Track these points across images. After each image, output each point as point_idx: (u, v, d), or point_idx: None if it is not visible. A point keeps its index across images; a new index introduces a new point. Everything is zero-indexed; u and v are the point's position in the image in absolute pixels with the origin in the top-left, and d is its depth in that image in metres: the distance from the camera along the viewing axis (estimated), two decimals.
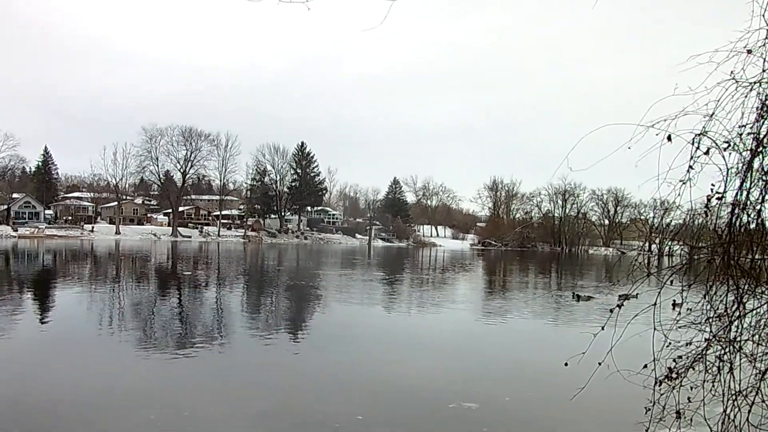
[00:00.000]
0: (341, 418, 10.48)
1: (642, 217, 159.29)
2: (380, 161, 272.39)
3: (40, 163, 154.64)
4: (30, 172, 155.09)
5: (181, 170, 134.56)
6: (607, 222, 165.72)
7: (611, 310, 5.84)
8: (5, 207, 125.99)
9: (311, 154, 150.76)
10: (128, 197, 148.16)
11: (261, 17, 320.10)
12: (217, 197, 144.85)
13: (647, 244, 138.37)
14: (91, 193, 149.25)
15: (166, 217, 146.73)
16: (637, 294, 6.11)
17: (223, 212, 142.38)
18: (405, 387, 12.90)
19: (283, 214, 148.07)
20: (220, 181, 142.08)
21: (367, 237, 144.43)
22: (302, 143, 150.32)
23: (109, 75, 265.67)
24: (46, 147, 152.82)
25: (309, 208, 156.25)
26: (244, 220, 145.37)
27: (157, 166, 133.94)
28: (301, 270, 51.46)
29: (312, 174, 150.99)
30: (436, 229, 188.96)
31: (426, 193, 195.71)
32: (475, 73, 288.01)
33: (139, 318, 22.42)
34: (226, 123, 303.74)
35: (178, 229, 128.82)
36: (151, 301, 27.84)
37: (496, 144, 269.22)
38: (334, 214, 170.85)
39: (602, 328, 5.88)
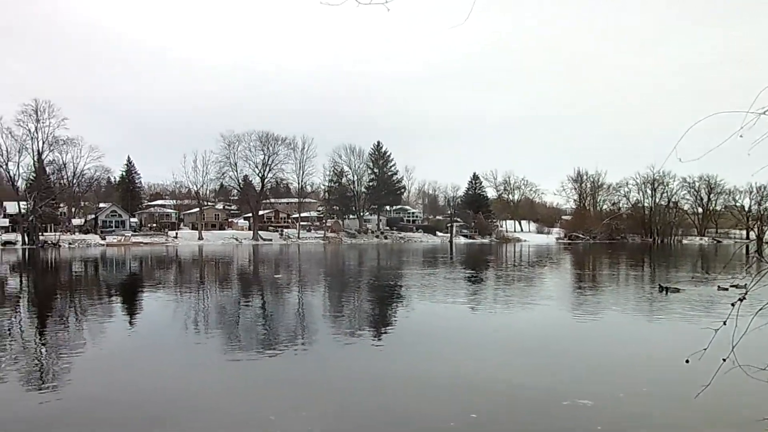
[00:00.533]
0: (454, 417, 10.39)
1: (738, 204, 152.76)
2: (458, 157, 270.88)
3: (124, 173, 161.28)
4: (114, 182, 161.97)
5: (260, 174, 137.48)
6: (700, 210, 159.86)
7: (732, 304, 5.37)
8: (93, 216, 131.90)
9: (387, 153, 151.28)
10: (209, 203, 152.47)
11: (327, 18, 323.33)
12: (296, 200, 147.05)
13: (746, 232, 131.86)
14: (174, 201, 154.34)
15: (247, 222, 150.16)
16: (745, 284, 5.64)
17: (302, 214, 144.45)
18: (510, 385, 12.72)
19: (361, 214, 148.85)
20: (298, 183, 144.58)
21: (449, 234, 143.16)
22: (378, 143, 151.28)
23: (180, 84, 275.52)
24: (129, 157, 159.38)
25: (388, 208, 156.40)
26: (323, 221, 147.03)
27: (236, 171, 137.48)
28: (382, 269, 51.49)
29: (389, 173, 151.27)
30: (520, 223, 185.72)
31: (507, 187, 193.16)
32: (551, 61, 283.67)
33: (224, 321, 23.01)
34: (301, 126, 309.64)
35: (259, 232, 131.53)
36: (236, 303, 28.48)
37: (578, 135, 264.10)
38: (413, 213, 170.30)
39: (723, 323, 5.42)
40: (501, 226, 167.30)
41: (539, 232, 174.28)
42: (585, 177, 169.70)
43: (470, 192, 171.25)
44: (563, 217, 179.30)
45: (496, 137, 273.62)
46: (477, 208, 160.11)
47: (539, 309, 25.31)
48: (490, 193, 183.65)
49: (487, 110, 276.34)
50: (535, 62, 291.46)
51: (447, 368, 14.40)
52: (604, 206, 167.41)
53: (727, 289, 28.44)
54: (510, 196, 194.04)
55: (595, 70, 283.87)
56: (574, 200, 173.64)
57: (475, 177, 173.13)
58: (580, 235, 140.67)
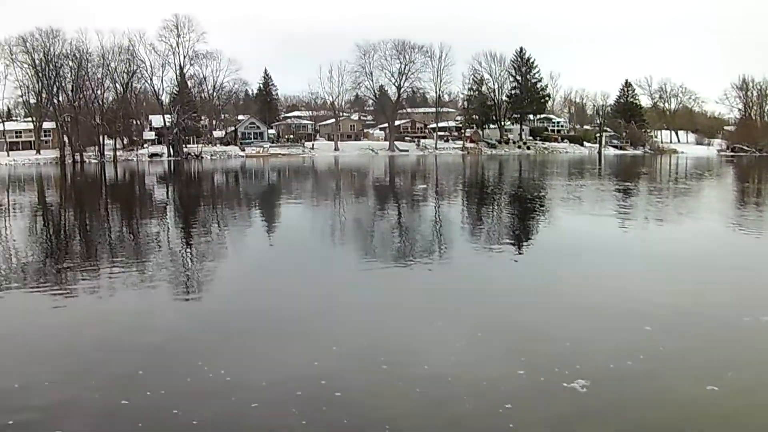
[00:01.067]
0: (618, 332, 9.86)
1: None
2: (608, 63, 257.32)
3: (261, 86, 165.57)
4: (252, 94, 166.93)
5: (396, 84, 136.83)
6: None
7: None
8: (233, 129, 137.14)
9: (531, 60, 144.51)
10: (345, 114, 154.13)
11: None
12: (433, 109, 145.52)
13: None
14: (310, 112, 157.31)
15: (382, 132, 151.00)
16: None
17: (440, 124, 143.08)
18: (682, 305, 11.55)
19: (502, 123, 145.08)
20: (436, 93, 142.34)
21: (597, 145, 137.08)
22: (521, 48, 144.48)
23: None
24: (265, 70, 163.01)
25: (531, 117, 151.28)
26: (462, 131, 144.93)
27: (372, 81, 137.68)
28: (524, 181, 50.13)
29: (533, 80, 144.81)
30: (677, 134, 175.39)
31: (663, 95, 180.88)
32: None
33: (361, 231, 23.15)
34: (438, 34, 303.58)
35: (395, 143, 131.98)
36: (372, 214, 28.65)
37: (743, 38, 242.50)
38: (558, 122, 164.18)
39: None
40: (655, 137, 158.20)
41: (698, 143, 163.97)
42: (751, 84, 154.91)
43: (621, 100, 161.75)
44: (725, 127, 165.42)
45: (650, 41, 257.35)
46: (629, 117, 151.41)
47: (701, 224, 23.67)
48: (644, 101, 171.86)
49: (639, 12, 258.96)
50: None
51: (594, 283, 13.67)
52: None
53: None
54: (666, 104, 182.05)
55: None
56: (739, 109, 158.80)
57: (627, 84, 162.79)
58: (745, 147, 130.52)
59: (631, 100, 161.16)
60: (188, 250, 19.13)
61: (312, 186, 49.62)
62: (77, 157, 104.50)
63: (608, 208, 29.40)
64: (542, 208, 30.07)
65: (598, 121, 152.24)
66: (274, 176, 62.99)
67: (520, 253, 17.80)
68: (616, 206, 30.00)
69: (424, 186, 46.25)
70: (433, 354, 9.13)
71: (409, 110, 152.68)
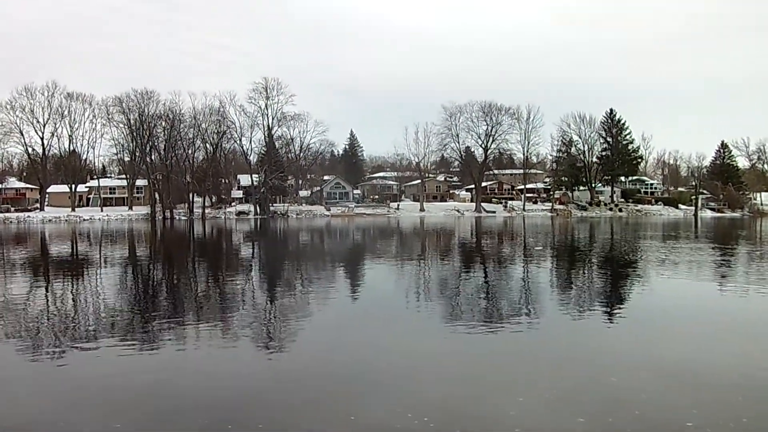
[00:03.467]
0: (681, 409, 9.38)
1: None
2: (702, 124, 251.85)
3: (347, 146, 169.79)
4: (338, 155, 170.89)
5: (482, 145, 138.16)
6: None
7: None
8: (318, 188, 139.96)
9: (622, 121, 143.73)
10: (430, 175, 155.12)
11: None
12: (520, 171, 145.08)
13: None
14: (395, 173, 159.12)
15: (469, 193, 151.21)
16: None
17: (528, 186, 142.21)
18: (748, 376, 11.01)
19: (593, 185, 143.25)
20: (523, 154, 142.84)
21: (692, 207, 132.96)
22: (611, 110, 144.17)
23: (400, 56, 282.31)
24: (351, 131, 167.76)
25: (622, 179, 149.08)
26: (551, 193, 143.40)
27: (458, 142, 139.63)
28: (616, 244, 48.56)
29: (624, 141, 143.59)
30: None
31: (761, 156, 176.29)
32: None
33: (446, 292, 22.92)
34: (526, 96, 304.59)
35: (482, 204, 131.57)
36: (457, 275, 28.37)
37: None
38: (651, 183, 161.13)
39: None
40: (755, 199, 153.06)
41: None
42: None
43: (717, 161, 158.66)
44: None
45: (746, 101, 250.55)
46: (726, 179, 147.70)
47: None
48: (741, 162, 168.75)
49: (734, 71, 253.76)
50: None
51: (680, 353, 12.93)
52: None
53: None
54: (765, 165, 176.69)
55: None
56: None
57: (724, 145, 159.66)
58: None
59: (728, 161, 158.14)
60: (272, 307, 19.28)
61: (396, 246, 49.57)
62: (167, 214, 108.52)
63: (704, 273, 28.21)
64: (634, 272, 29.09)
65: (693, 183, 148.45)
66: (359, 236, 63.38)
67: (608, 318, 17.22)
68: (712, 272, 28.66)
69: (512, 247, 45.47)
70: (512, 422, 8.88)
71: (495, 171, 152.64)
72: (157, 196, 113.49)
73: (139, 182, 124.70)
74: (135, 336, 14.58)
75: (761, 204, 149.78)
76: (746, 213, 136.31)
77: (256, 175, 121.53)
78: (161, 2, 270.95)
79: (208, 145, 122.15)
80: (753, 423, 8.62)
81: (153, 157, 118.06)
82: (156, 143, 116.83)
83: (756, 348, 13.36)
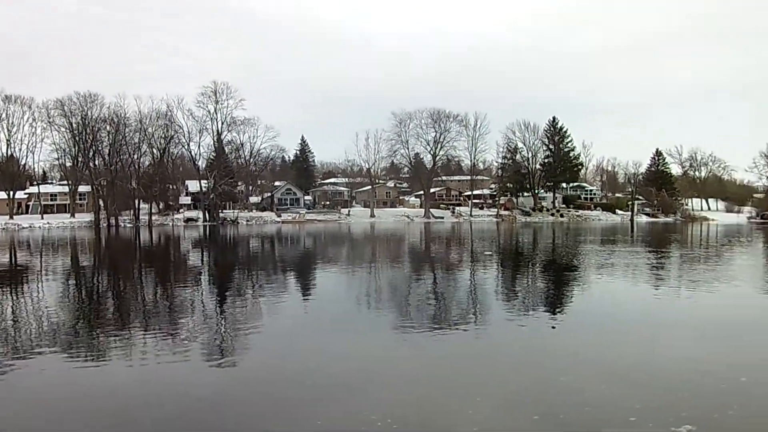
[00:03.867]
0: (630, 402, 9.70)
1: None
2: (639, 133, 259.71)
3: (298, 152, 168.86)
4: (289, 160, 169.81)
5: (431, 152, 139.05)
6: None
7: None
8: (269, 194, 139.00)
9: (564, 129, 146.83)
10: (381, 181, 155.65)
11: None
12: (468, 177, 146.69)
13: None
14: (346, 179, 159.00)
15: (418, 199, 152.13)
16: None
17: (475, 192, 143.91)
18: (693, 370, 11.65)
19: (536, 191, 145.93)
20: (470, 161, 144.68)
21: (629, 212, 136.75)
22: (554, 118, 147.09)
23: (352, 63, 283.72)
24: (303, 136, 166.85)
25: (564, 185, 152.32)
26: (496, 199, 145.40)
27: (408, 149, 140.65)
28: (558, 248, 49.72)
29: (566, 149, 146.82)
30: (707, 202, 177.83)
31: (693, 163, 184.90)
32: (740, 27, 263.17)
33: (396, 298, 23.10)
34: (473, 104, 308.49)
35: (430, 210, 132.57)
36: (407, 281, 28.62)
37: None
38: (591, 190, 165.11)
39: None
40: (686, 205, 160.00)
41: (728, 210, 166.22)
42: None
43: (653, 168, 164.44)
44: (755, 195, 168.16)
45: (680, 111, 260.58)
46: (660, 185, 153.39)
47: (730, 291, 23.45)
48: (675, 169, 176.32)
49: (669, 82, 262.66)
50: (722, 30, 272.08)
51: (623, 351, 13.62)
52: None
53: None
54: (696, 173, 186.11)
55: None
56: (767, 177, 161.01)
57: (658, 153, 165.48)
58: None
59: (662, 168, 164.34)
60: (222, 315, 19.11)
61: (348, 252, 49.61)
62: (112, 221, 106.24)
63: (641, 275, 29.42)
64: (576, 275, 29.97)
65: (630, 190, 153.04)
66: (310, 242, 63.16)
67: (554, 320, 17.71)
68: (650, 273, 29.99)
69: (459, 252, 46.02)
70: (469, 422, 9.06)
71: (444, 178, 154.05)
72: (101, 202, 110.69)
73: (82, 188, 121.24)
74: (79, 347, 14.28)
75: (692, 209, 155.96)
76: (678, 218, 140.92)
77: (205, 181, 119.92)
78: (106, 3, 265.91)
79: (154, 150, 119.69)
80: (691, 415, 8.94)
81: (97, 162, 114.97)
82: (100, 148, 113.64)
83: (693, 346, 13.90)
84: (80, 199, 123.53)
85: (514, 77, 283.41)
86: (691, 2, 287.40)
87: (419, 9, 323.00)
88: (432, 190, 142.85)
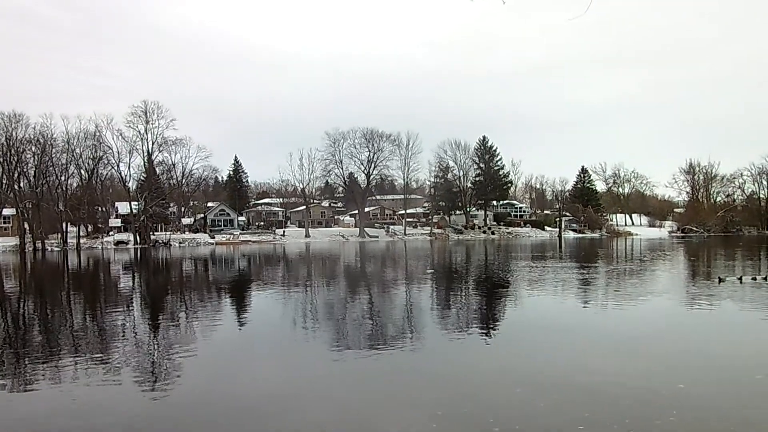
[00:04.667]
0: (558, 417, 9.99)
1: None
2: (564, 150, 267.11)
3: (231, 173, 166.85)
4: (222, 181, 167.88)
5: (365, 171, 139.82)
6: None
7: None
8: (202, 216, 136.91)
9: (493, 148, 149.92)
10: (315, 201, 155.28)
11: (427, 13, 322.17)
12: (401, 196, 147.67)
13: None
14: (280, 199, 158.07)
15: (353, 219, 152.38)
16: None
17: (408, 211, 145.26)
18: (618, 385, 11.99)
19: (468, 209, 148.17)
20: (404, 180, 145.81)
21: (557, 229, 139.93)
22: (484, 137, 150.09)
23: (281, 82, 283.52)
24: (236, 156, 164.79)
25: (494, 203, 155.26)
26: (430, 217, 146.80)
27: (342, 168, 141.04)
28: (490, 265, 50.67)
29: (495, 167, 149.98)
30: (630, 217, 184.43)
31: (617, 180, 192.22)
32: (660, 46, 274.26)
33: (332, 318, 23.09)
34: (405, 123, 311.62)
35: (365, 229, 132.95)
36: (343, 301, 28.74)
37: (688, 124, 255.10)
38: (520, 207, 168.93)
39: None
40: (611, 220, 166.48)
41: (651, 225, 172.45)
42: (698, 168, 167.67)
43: (579, 185, 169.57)
44: (675, 210, 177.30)
45: (604, 129, 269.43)
46: (586, 201, 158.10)
47: (652, 304, 24.26)
48: (600, 186, 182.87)
49: (596, 102, 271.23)
50: (643, 47, 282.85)
51: (552, 366, 13.87)
52: (718, 198, 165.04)
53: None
54: (620, 189, 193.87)
55: (705, 57, 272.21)
56: (687, 192, 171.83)
57: (584, 170, 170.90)
58: (694, 229, 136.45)
59: (588, 185, 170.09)
60: (154, 341, 18.74)
61: (283, 273, 49.27)
62: (38, 245, 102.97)
63: (569, 290, 30.08)
64: (507, 292, 30.56)
65: (558, 206, 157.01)
66: (245, 263, 62.47)
67: (486, 336, 18.04)
68: (576, 289, 30.74)
69: (393, 271, 46.29)
70: None
71: (378, 197, 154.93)
72: (26, 225, 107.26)
73: (6, 211, 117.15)
74: (5, 375, 13.82)
75: (617, 224, 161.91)
76: (604, 233, 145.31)
77: (136, 203, 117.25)
78: (25, 22, 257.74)
79: (83, 171, 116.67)
80: (633, 424, 9.34)
81: (22, 185, 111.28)
82: (25, 169, 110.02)
83: (620, 359, 14.34)
84: (5, 223, 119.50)
85: (441, 97, 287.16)
86: (602, 24, 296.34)
87: (337, 32, 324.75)
88: (366, 210, 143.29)
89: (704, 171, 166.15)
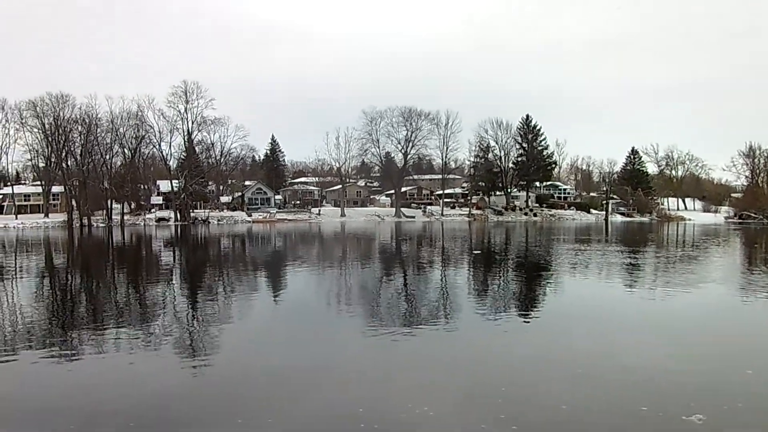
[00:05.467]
0: (598, 407, 10.07)
1: None
2: (614, 130, 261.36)
3: (268, 152, 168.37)
4: (259, 160, 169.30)
5: (402, 151, 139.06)
6: None
7: None
8: (239, 194, 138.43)
9: (537, 127, 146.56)
10: (351, 180, 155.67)
11: None
12: (439, 176, 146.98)
13: None
14: (317, 178, 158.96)
15: (389, 198, 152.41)
16: None
17: (446, 191, 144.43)
18: (662, 371, 11.89)
19: (509, 190, 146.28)
20: (442, 159, 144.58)
21: (604, 212, 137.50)
22: (527, 116, 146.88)
23: (319, 63, 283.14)
24: (273, 136, 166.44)
25: (537, 184, 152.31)
26: (468, 198, 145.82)
27: (378, 148, 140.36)
28: (530, 248, 50.15)
29: (539, 147, 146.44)
30: (684, 201, 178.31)
31: (669, 162, 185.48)
32: (720, 27, 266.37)
33: (367, 297, 23.30)
34: (446, 101, 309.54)
35: (401, 209, 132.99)
36: (378, 280, 28.84)
37: (749, 105, 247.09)
38: (565, 189, 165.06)
39: None
40: (662, 204, 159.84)
41: (705, 210, 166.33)
42: (758, 151, 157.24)
43: (628, 167, 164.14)
44: (733, 195, 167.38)
45: (658, 109, 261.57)
46: (636, 184, 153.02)
47: (703, 292, 23.44)
48: (651, 168, 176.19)
49: (647, 80, 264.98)
50: (701, 29, 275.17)
51: (595, 352, 13.80)
52: None
53: None
54: (673, 171, 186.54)
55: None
56: (746, 176, 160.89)
57: (634, 152, 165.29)
58: (753, 215, 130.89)
59: (638, 167, 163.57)
60: (193, 314, 19.19)
61: (318, 251, 49.77)
62: (85, 221, 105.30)
63: (614, 276, 29.49)
64: (549, 276, 30.11)
65: (605, 189, 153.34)
66: (281, 241, 63.16)
67: (525, 321, 17.93)
68: (622, 274, 29.99)
69: (430, 252, 46.35)
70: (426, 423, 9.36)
71: (415, 177, 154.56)
72: (74, 202, 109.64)
73: (55, 189, 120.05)
74: (53, 346, 14.36)
75: (668, 209, 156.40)
76: (654, 217, 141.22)
77: (176, 181, 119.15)
78: (62, 5, 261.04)
79: (126, 150, 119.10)
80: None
81: (69, 163, 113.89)
82: (72, 148, 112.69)
83: (673, 347, 14.24)
84: (54, 200, 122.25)
85: (481, 76, 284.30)
86: (662, 2, 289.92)
87: (372, 10, 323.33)
88: (403, 190, 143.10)
89: (765, 154, 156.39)
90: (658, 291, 23.79)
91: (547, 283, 27.20)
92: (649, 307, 20.08)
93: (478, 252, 45.28)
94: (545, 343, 14.62)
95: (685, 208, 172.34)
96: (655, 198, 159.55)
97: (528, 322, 17.72)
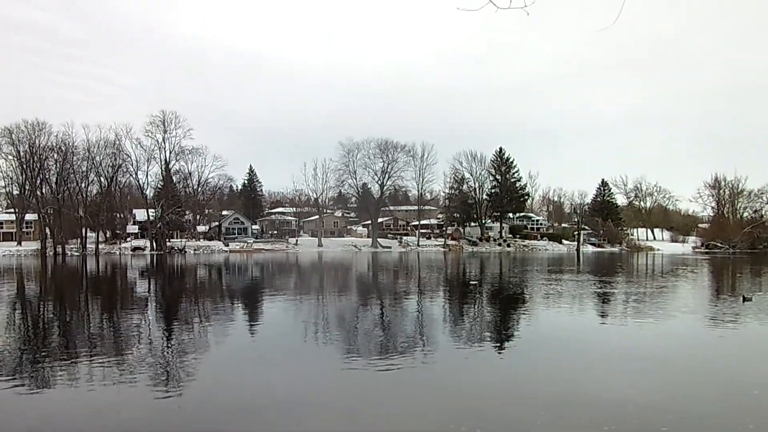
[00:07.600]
0: None
1: None
2: (584, 163, 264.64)
3: (246, 181, 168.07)
4: (237, 190, 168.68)
5: (379, 182, 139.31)
6: None
7: None
8: (217, 224, 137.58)
9: (510, 159, 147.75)
10: (328, 210, 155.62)
11: (450, 23, 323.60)
12: (415, 207, 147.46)
13: None
14: (294, 208, 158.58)
15: (366, 229, 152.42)
16: None
17: (422, 222, 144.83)
18: (634, 404, 12.00)
19: (483, 221, 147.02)
20: (418, 191, 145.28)
21: (575, 242, 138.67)
22: (500, 148, 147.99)
23: (291, 93, 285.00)
24: (250, 166, 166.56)
25: (511, 215, 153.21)
26: (444, 229, 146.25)
27: (355, 179, 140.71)
28: (504, 279, 50.27)
29: (512, 179, 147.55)
30: (652, 232, 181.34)
31: (638, 194, 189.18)
32: (689, 54, 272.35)
33: (342, 328, 23.17)
34: (420, 134, 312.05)
35: (378, 239, 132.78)
36: (355, 311, 28.76)
37: (715, 138, 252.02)
38: (537, 220, 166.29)
39: None
40: (632, 235, 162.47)
41: (673, 240, 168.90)
42: (723, 183, 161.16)
43: (598, 199, 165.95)
44: (700, 225, 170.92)
45: (626, 141, 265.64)
46: (606, 215, 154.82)
47: (672, 322, 23.72)
48: (620, 199, 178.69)
49: (617, 112, 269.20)
50: (669, 58, 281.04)
51: (565, 382, 13.87)
52: (745, 214, 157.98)
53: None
54: (641, 203, 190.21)
55: (733, 69, 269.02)
56: (712, 207, 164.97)
57: (604, 183, 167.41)
58: (719, 245, 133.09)
59: (608, 198, 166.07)
60: (167, 345, 18.98)
61: (294, 281, 49.48)
62: (59, 250, 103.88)
63: (586, 306, 29.79)
64: (523, 306, 30.26)
65: (576, 220, 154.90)
66: (258, 271, 62.77)
67: (498, 351, 18.02)
68: (594, 304, 30.33)
69: (406, 283, 46.28)
70: None
71: (391, 208, 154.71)
72: (48, 231, 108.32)
73: (29, 216, 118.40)
74: (23, 376, 14.11)
75: (638, 239, 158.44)
76: (624, 248, 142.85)
77: (153, 210, 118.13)
78: (38, 34, 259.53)
79: (102, 179, 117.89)
80: None
81: (44, 191, 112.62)
82: (47, 176, 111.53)
83: (638, 377, 14.34)
84: (27, 228, 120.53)
85: (455, 108, 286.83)
86: (619, 32, 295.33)
87: (348, 42, 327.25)
88: (379, 220, 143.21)
89: (730, 185, 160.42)
90: (629, 320, 24.11)
91: (522, 313, 27.30)
92: (617, 338, 20.30)
93: (475, 282, 45.36)
94: (521, 374, 14.69)
95: (654, 238, 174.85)
96: (624, 229, 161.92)
97: (502, 351, 17.81)
